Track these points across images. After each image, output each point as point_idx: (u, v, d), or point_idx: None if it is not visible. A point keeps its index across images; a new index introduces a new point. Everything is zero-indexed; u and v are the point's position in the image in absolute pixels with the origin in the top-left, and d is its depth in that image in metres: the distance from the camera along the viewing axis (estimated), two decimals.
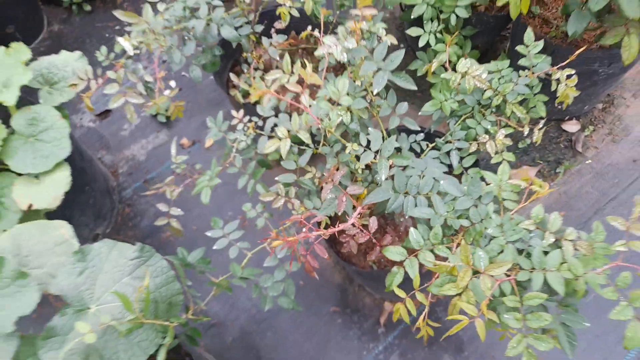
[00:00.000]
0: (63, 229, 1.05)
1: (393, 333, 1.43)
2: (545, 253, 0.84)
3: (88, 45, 2.08)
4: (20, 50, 1.27)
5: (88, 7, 2.20)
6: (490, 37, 1.77)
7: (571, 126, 1.70)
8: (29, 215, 1.25)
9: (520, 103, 1.24)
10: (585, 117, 1.70)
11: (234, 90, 1.51)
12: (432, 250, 0.92)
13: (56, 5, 2.21)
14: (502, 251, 0.86)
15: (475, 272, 0.81)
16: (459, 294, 0.80)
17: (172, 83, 1.34)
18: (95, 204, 1.55)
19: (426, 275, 0.96)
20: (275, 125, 1.20)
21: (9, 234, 1.03)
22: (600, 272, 0.82)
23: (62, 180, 1.23)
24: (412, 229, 0.94)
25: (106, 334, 0.87)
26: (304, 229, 0.95)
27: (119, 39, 1.35)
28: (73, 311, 0.88)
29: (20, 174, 1.26)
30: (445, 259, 0.87)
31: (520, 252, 0.87)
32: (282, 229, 1.01)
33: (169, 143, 1.82)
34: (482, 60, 1.74)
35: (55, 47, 2.08)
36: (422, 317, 0.90)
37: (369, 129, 1.11)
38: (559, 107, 1.64)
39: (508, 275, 0.81)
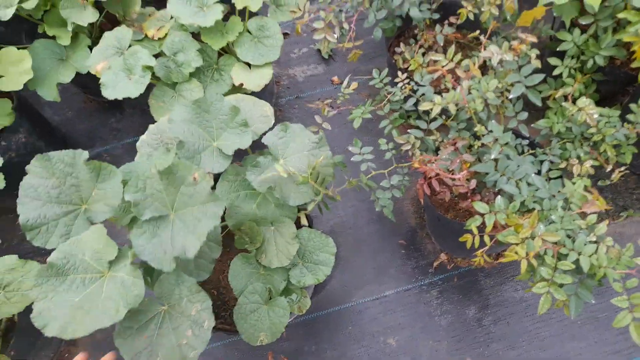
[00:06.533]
0: (266, 107, 1.54)
1: (439, 276, 1.85)
2: (585, 245, 1.21)
3: None
4: None
5: None
6: (615, 87, 2.03)
7: None
8: (234, 89, 1.77)
9: (614, 147, 1.55)
10: None
11: (397, 56, 1.92)
12: (507, 216, 1.31)
13: None
14: (555, 231, 1.24)
15: (532, 237, 1.20)
16: (517, 244, 1.20)
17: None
18: (266, 99, 2.05)
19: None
20: (423, 93, 1.61)
21: (235, 97, 1.53)
22: (617, 271, 1.18)
23: (267, 74, 1.72)
24: (498, 197, 1.33)
25: (287, 179, 1.35)
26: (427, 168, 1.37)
27: None
28: (271, 157, 1.38)
29: (239, 60, 1.76)
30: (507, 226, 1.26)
31: (568, 237, 1.25)
32: (413, 164, 1.44)
33: (324, 75, 2.28)
34: (600, 103, 2.01)
35: None
36: (481, 251, 1.30)
37: (492, 121, 1.49)
38: None
39: (554, 245, 1.19)
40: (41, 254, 1.91)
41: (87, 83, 2.16)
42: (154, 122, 1.91)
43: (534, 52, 1.44)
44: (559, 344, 1.74)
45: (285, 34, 2.38)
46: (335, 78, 2.28)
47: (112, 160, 2.19)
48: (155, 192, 1.12)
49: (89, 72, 1.83)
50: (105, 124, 2.27)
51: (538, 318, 1.79)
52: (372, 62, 2.28)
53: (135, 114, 2.29)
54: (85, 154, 1.34)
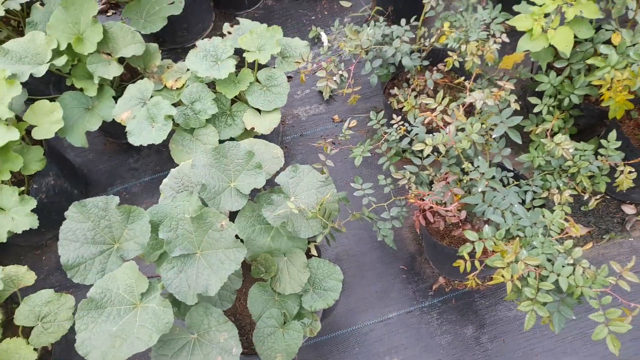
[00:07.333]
0: (277, 150, 1.72)
1: (439, 298, 2.00)
2: (563, 267, 1.37)
3: (289, 24, 2.77)
4: (276, 31, 1.96)
5: None
6: (591, 121, 2.22)
7: (629, 209, 2.13)
8: (246, 133, 1.95)
9: (590, 177, 1.73)
10: None
11: (392, 98, 2.11)
12: (494, 242, 1.47)
13: None
14: (537, 255, 1.40)
15: (516, 261, 1.36)
16: (503, 267, 1.36)
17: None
18: (272, 140, 2.24)
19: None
20: (417, 133, 1.80)
21: (248, 141, 1.72)
22: (593, 290, 1.34)
23: (275, 118, 1.91)
24: (486, 225, 1.50)
25: (298, 214, 1.52)
26: (422, 201, 1.54)
27: (322, 33, 2.00)
28: (283, 195, 1.55)
29: (250, 107, 1.96)
30: (495, 252, 1.42)
31: (548, 260, 1.40)
32: (409, 197, 1.61)
33: (325, 114, 2.48)
34: (578, 136, 2.20)
35: (265, 17, 2.79)
36: (473, 274, 1.46)
37: (479, 157, 1.67)
38: (624, 190, 2.08)
39: (536, 268, 1.35)
40: (66, 287, 2.05)
41: (108, 127, 2.35)
42: (169, 161, 2.10)
43: (512, 97, 1.64)
44: (552, 359, 1.87)
45: (288, 77, 2.59)
46: (335, 117, 2.47)
47: (131, 198, 2.36)
48: (186, 232, 1.29)
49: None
50: (123, 164, 2.45)
51: (531, 335, 1.92)
52: (369, 101, 2.48)
53: (152, 154, 2.47)
54: (117, 199, 1.50)
